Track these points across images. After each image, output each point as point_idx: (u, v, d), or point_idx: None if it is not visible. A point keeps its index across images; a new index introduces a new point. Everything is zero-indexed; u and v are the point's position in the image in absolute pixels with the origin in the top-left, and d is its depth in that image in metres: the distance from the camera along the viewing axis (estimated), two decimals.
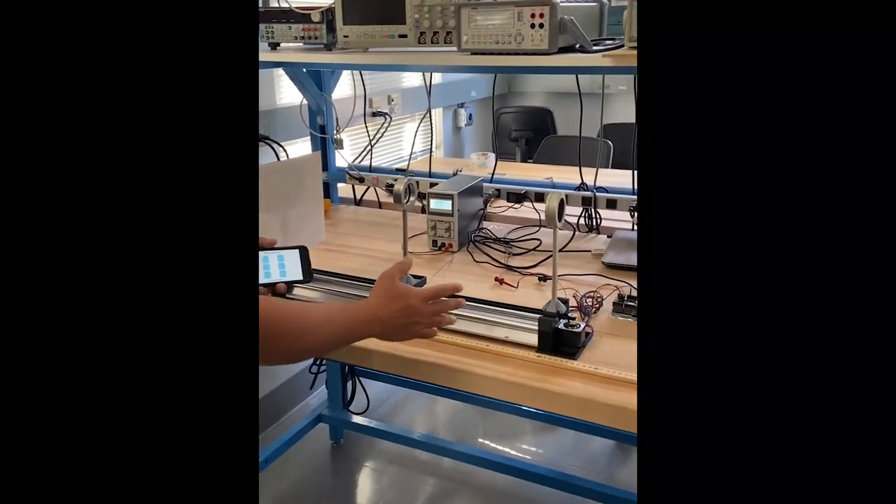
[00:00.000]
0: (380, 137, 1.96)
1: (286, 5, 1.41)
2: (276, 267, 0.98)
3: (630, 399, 0.85)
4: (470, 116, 3.43)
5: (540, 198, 1.58)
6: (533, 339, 0.97)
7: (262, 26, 1.43)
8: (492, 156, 2.29)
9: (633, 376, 0.89)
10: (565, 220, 1.50)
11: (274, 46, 1.47)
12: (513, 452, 2.08)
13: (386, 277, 0.88)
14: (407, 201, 1.07)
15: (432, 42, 1.26)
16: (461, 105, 3.38)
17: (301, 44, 1.43)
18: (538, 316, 0.97)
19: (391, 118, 2.12)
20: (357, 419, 2.05)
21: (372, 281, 0.94)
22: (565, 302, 1.01)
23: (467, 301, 1.07)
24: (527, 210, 1.64)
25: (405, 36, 1.29)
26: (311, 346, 0.85)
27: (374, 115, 2.48)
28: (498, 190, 1.64)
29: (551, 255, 1.34)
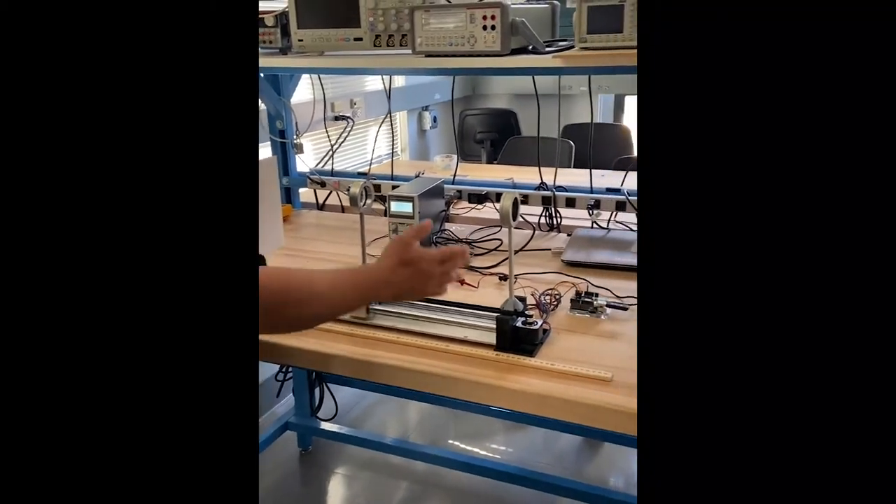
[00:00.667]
0: (342, 141, 1.95)
1: None
2: None
3: (585, 393, 0.86)
4: (435, 119, 3.44)
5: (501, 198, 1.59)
6: (492, 338, 0.98)
7: None
8: (455, 157, 2.31)
9: (590, 371, 0.90)
10: (525, 220, 1.53)
11: None
12: (483, 453, 2.09)
13: (400, 241, 0.88)
14: (364, 204, 1.08)
15: (388, 45, 1.27)
16: (426, 108, 3.39)
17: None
18: (496, 315, 0.98)
19: (353, 122, 2.12)
20: (325, 426, 2.04)
21: None
22: (523, 300, 1.02)
23: (425, 302, 1.08)
24: (489, 211, 1.65)
25: (360, 39, 1.29)
26: (322, 312, 0.85)
27: (336, 119, 2.47)
28: (460, 191, 1.65)
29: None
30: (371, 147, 1.86)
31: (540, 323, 0.98)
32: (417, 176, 1.76)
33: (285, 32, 1.36)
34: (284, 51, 1.39)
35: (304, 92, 1.97)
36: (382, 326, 1.05)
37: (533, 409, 0.89)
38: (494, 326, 0.98)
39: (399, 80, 3.11)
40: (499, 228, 1.54)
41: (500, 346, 0.97)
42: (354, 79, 2.77)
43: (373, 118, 2.78)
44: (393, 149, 1.92)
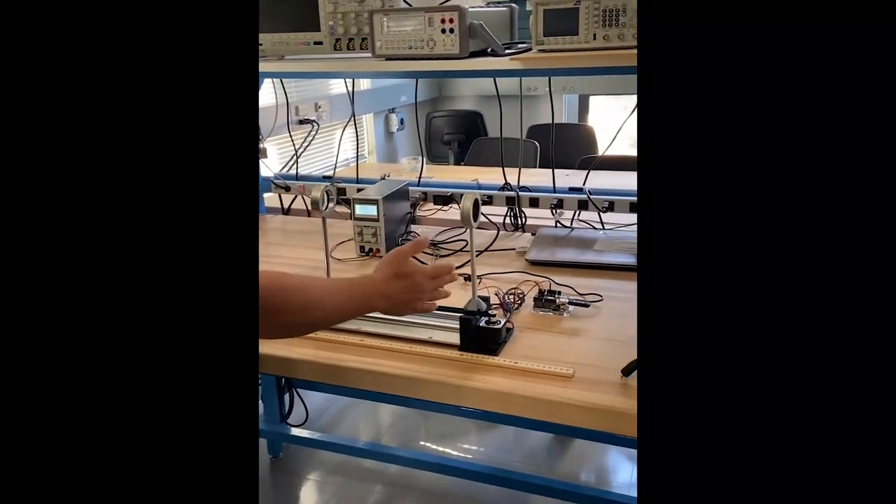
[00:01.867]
0: (307, 146, 1.95)
1: None
2: None
3: (547, 389, 0.88)
4: (402, 121, 3.45)
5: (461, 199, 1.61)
6: (456, 339, 0.99)
7: None
8: (422, 159, 2.32)
9: (552, 367, 0.92)
10: (490, 220, 1.54)
11: None
12: (454, 453, 2.10)
13: (396, 255, 0.89)
14: (326, 208, 1.08)
15: (348, 48, 1.27)
16: (392, 110, 3.39)
17: None
18: (459, 315, 0.99)
19: (318, 125, 2.12)
20: (296, 431, 2.03)
21: None
22: (486, 300, 1.04)
23: None
24: (454, 212, 1.66)
25: (320, 43, 1.29)
26: (318, 319, 0.85)
27: (301, 122, 2.47)
28: (425, 193, 1.66)
29: (477, 254, 1.37)
30: (336, 150, 1.85)
31: (503, 322, 1.00)
32: (382, 178, 1.77)
33: None
34: None
35: (267, 96, 1.97)
36: (347, 330, 1.05)
37: (497, 407, 0.90)
38: (458, 327, 0.99)
39: (364, 83, 3.11)
40: (464, 229, 1.55)
41: (464, 345, 0.98)
42: (319, 82, 2.76)
43: (339, 121, 2.78)
44: (358, 151, 1.92)
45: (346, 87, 1.73)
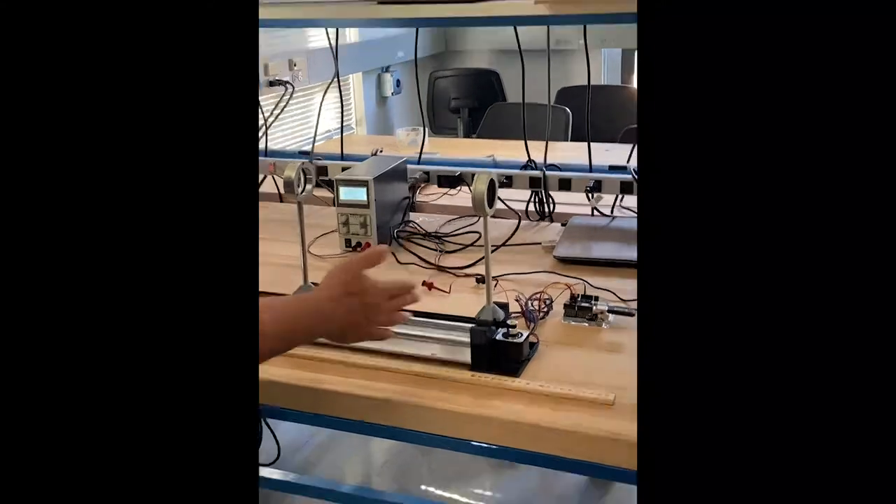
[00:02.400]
0: (279, 113, 1.95)
1: None
2: None
3: (582, 420, 0.87)
4: (398, 83, 3.45)
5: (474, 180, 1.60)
6: (466, 355, 0.99)
7: None
8: (422, 130, 2.32)
9: (588, 392, 0.91)
10: (509, 207, 1.54)
11: None
12: (464, 500, 2.10)
13: (346, 269, 0.90)
14: (302, 191, 1.08)
15: None
16: (386, 69, 3.39)
17: None
18: (471, 326, 0.98)
19: (293, 88, 2.12)
20: (266, 472, 2.03)
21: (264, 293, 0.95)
22: (505, 307, 1.03)
23: None
24: (463, 196, 1.66)
25: None
26: (263, 353, 0.83)
27: (272, 84, 2.47)
28: (427, 173, 1.66)
29: (493, 250, 1.37)
30: (316, 119, 1.85)
31: (525, 335, 0.99)
32: (374, 154, 1.77)
33: None
34: None
35: None
36: (331, 345, 1.05)
37: (517, 441, 0.90)
38: (469, 340, 0.98)
39: (352, 35, 3.11)
40: (476, 219, 1.55)
41: (477, 364, 0.98)
42: (294, 33, 2.76)
43: (319, 83, 2.78)
44: (343, 121, 1.91)
45: (329, 39, 1.72)
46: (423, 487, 2.17)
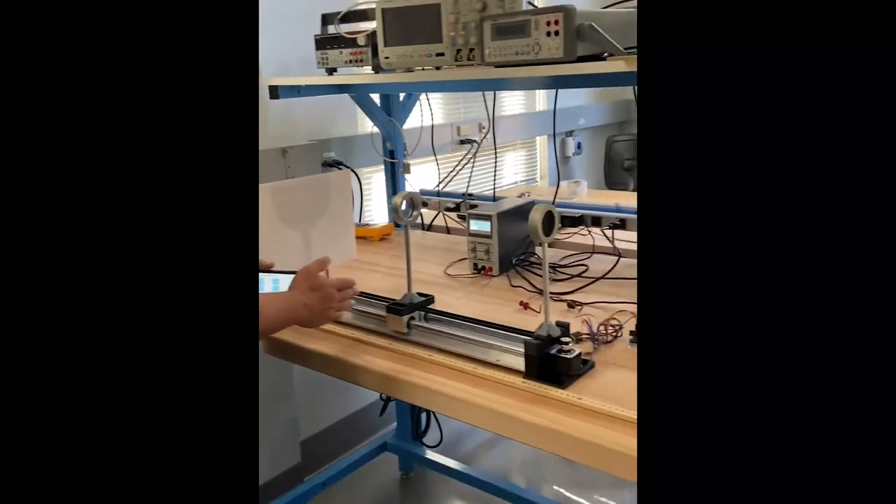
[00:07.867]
0: (465, 164, 1.99)
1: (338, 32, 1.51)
2: (269, 289, 1.05)
3: (605, 434, 0.77)
4: (579, 145, 3.36)
5: (597, 222, 1.51)
6: (523, 365, 0.93)
7: (317, 53, 1.54)
8: (584, 183, 2.23)
9: (622, 411, 0.81)
10: (616, 247, 1.42)
11: (330, 72, 1.56)
12: None
13: (306, 270, 1.03)
14: (409, 216, 1.08)
15: (469, 59, 1.28)
16: (569, 133, 3.33)
17: (354, 68, 1.52)
18: (525, 338, 0.92)
19: (479, 145, 2.16)
20: (427, 452, 2.04)
21: (385, 299, 1.11)
22: (566, 326, 0.95)
23: (463, 321, 1.06)
24: (597, 236, 1.56)
25: (442, 54, 1.32)
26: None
27: (462, 142, 2.54)
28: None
29: (591, 282, 1.28)
30: (510, 172, 1.87)
31: (577, 352, 0.90)
32: (520, 196, 1.74)
33: (375, 52, 1.43)
34: (376, 69, 1.46)
35: (415, 118, 2.02)
36: (419, 343, 1.04)
37: (548, 445, 0.82)
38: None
39: (541, 104, 3.10)
40: (590, 255, 1.45)
41: (529, 372, 0.91)
42: (488, 101, 2.81)
43: (510, 142, 2.80)
44: (494, 170, 1.90)
45: (485, 107, 1.74)
46: (555, 488, 2.05)
